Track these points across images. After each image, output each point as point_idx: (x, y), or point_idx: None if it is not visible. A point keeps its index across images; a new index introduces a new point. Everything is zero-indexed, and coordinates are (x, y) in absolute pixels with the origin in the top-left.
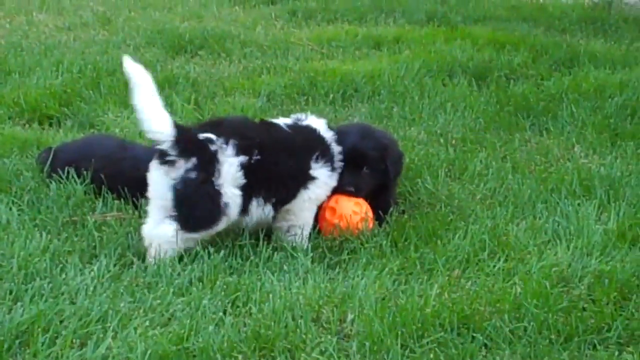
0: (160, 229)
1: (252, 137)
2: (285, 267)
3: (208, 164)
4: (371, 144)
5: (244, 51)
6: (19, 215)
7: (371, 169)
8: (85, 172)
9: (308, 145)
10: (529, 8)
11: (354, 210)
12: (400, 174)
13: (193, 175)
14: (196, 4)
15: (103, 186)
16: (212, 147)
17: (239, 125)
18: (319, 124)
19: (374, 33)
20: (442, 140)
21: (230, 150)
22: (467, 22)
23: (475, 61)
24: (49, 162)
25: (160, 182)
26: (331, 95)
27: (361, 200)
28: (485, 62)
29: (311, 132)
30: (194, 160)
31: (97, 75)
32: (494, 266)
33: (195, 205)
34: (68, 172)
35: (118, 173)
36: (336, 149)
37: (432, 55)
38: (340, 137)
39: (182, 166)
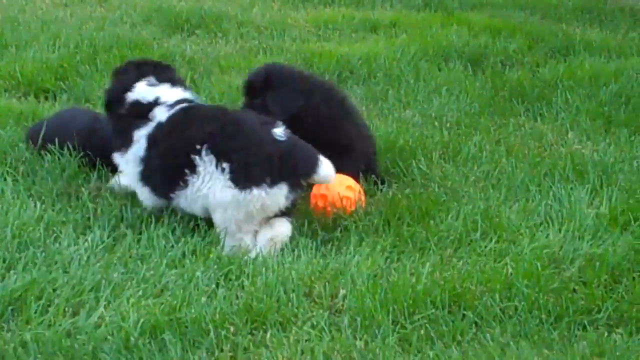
0: None
1: None
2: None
3: None
4: None
5: (241, 31)
6: (13, 185)
7: None
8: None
9: None
10: None
11: (346, 196)
12: None
13: None
14: None
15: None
16: None
17: None
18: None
19: (371, 17)
20: (436, 123)
21: None
22: (464, 8)
23: (471, 47)
24: (40, 137)
25: None
26: (327, 77)
27: (352, 182)
28: (481, 47)
29: None
30: None
31: (94, 51)
32: (486, 246)
33: None
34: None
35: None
36: None
37: (428, 40)
38: None
39: None
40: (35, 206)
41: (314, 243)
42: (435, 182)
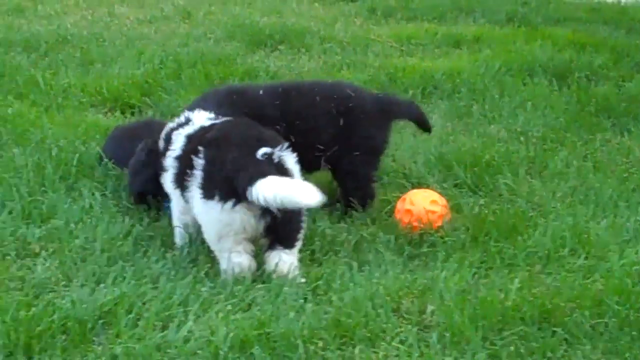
0: None
1: None
2: (365, 258)
3: None
4: None
5: (324, 47)
6: (102, 199)
7: None
8: None
9: None
10: (609, 11)
11: (431, 210)
12: None
13: None
14: (276, 0)
15: None
16: None
17: None
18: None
19: (454, 32)
20: (522, 139)
21: None
22: (548, 23)
23: (555, 61)
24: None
25: None
26: (411, 92)
27: (437, 196)
28: (565, 62)
29: None
30: None
31: (179, 66)
32: (575, 263)
33: None
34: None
35: None
36: None
37: (512, 54)
38: None
39: None
40: (123, 221)
41: (401, 259)
42: (522, 198)
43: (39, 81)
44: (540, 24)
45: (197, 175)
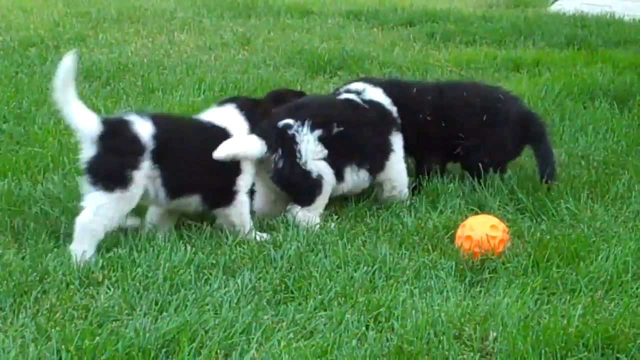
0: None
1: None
2: (426, 284)
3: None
4: None
5: (383, 72)
6: None
7: None
8: None
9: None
10: None
11: (491, 235)
12: None
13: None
14: (334, 26)
15: None
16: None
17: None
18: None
19: (513, 55)
20: (583, 163)
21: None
22: (607, 45)
23: (616, 84)
24: None
25: None
26: None
27: (496, 221)
28: (626, 85)
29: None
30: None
31: (239, 93)
32: (638, 288)
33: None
34: None
35: None
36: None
37: (573, 78)
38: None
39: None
40: (185, 249)
41: (462, 284)
42: (584, 223)
43: (101, 110)
44: (600, 46)
45: None
